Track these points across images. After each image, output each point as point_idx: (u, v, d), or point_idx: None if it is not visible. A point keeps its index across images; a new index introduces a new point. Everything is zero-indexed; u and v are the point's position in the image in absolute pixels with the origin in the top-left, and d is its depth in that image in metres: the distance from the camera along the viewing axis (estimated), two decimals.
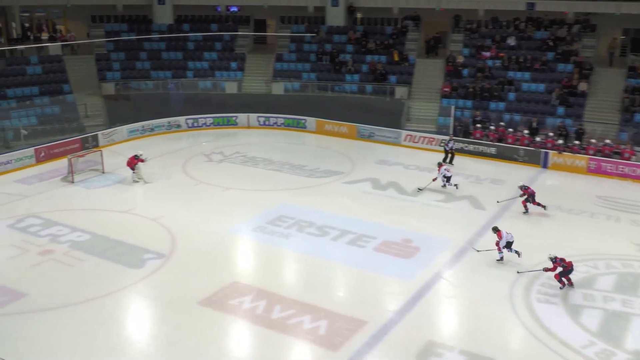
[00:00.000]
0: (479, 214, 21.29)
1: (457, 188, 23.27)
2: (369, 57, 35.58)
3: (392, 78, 34.19)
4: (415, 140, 30.16)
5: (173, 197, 22.72)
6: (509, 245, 17.35)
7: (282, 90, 35.33)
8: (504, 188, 23.97)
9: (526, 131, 28.90)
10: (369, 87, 34.04)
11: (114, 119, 32.94)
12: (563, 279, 16.01)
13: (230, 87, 35.74)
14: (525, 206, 21.19)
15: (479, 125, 29.71)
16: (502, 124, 29.71)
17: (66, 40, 37.53)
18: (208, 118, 33.67)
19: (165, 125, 32.69)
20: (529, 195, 21.03)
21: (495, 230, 17.62)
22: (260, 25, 42.25)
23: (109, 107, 33.93)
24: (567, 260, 16.07)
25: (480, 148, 28.61)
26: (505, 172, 26.34)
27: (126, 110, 33.82)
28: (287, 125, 33.65)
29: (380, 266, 17.20)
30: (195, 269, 17.01)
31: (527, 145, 27.95)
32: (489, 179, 25.32)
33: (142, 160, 24.26)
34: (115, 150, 28.89)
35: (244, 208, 21.65)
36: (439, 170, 23.28)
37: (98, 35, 37.45)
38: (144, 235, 19.16)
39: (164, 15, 38.88)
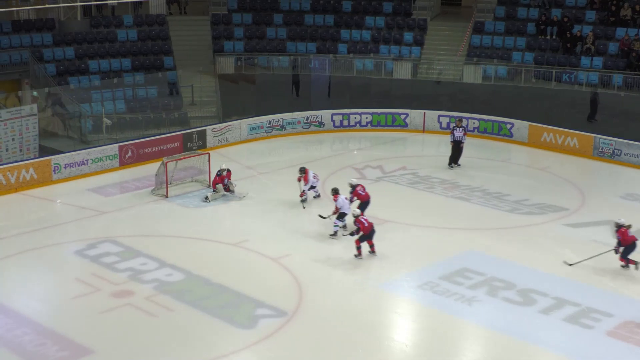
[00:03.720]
0: None
1: (303, 207, 24.79)
2: (620, 31, 34.67)
3: None
4: None
5: (305, 229, 23.32)
6: (342, 216, 22.11)
7: (479, 77, 35.25)
8: None
9: None
10: (618, 78, 33.12)
11: (230, 110, 34.56)
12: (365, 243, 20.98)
13: (401, 70, 36.22)
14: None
15: None
16: None
17: None
18: (365, 114, 34.29)
19: (301, 122, 33.72)
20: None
21: (335, 192, 22.43)
22: None
23: (224, 92, 35.65)
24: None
25: None
26: None
27: (248, 98, 35.25)
28: (484, 131, 33.48)
29: None
30: (329, 338, 17.25)
31: None
32: None
33: (224, 177, 25.40)
34: (227, 154, 30.25)
35: (408, 252, 21.76)
36: (305, 178, 24.90)
37: None
38: (258, 281, 19.80)
39: None
